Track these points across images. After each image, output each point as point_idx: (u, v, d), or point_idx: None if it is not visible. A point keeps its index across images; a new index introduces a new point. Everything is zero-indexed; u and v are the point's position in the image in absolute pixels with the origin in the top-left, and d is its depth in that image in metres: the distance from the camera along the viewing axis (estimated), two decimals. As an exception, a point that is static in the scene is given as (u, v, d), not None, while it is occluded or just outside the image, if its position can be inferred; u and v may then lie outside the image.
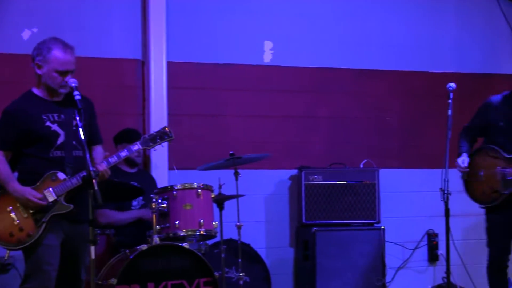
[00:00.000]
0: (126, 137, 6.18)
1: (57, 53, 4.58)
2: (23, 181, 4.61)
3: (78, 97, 4.44)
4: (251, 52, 7.30)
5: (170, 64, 6.91)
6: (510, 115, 5.73)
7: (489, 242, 5.78)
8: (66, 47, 4.60)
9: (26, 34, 6.58)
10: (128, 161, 6.31)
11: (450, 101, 5.56)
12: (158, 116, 6.75)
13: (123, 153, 4.81)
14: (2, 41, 6.50)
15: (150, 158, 6.80)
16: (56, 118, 4.65)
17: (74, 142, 4.63)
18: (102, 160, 4.71)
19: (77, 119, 4.39)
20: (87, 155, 4.30)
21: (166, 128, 5.04)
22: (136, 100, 6.92)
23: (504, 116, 5.71)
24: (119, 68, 6.91)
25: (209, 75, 7.16)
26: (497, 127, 5.73)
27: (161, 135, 5.01)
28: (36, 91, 4.69)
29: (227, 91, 7.22)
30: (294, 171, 7.25)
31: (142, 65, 6.92)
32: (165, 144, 5.14)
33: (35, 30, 6.58)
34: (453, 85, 5.59)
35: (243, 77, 7.28)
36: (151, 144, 4.97)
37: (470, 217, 7.39)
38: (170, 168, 6.82)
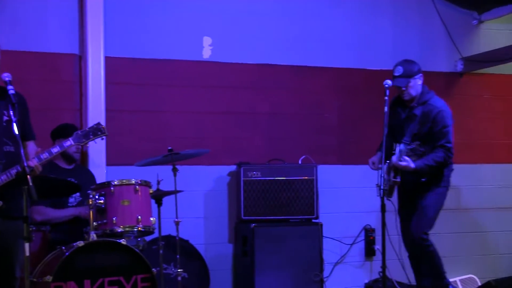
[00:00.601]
0: (62, 132, 6.10)
1: None
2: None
3: (12, 91, 4.37)
4: (190, 48, 7.29)
5: (108, 59, 6.86)
6: (391, 120, 6.00)
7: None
8: None
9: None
10: (66, 157, 6.27)
11: (386, 98, 5.67)
12: (96, 112, 6.70)
13: (55, 149, 4.77)
14: None
15: (87, 154, 6.77)
16: None
17: (4, 139, 4.57)
18: (34, 156, 4.67)
19: (11, 114, 4.32)
20: (21, 151, 4.24)
21: (100, 124, 5.06)
22: (73, 95, 6.87)
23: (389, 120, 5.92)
24: (56, 63, 6.83)
25: (147, 70, 7.12)
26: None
27: (94, 131, 5.00)
28: None
29: (166, 87, 7.19)
30: (233, 167, 7.28)
31: (80, 59, 6.85)
32: (98, 140, 5.10)
33: (-32, 23, 6.50)
34: (389, 82, 5.73)
35: (182, 73, 7.28)
36: (84, 140, 4.95)
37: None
38: (109, 164, 6.79)
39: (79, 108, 6.82)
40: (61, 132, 6.17)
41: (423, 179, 6.09)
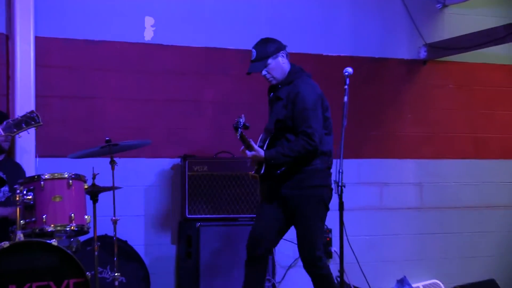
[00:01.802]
0: (-11, 120, 5.86)
1: None
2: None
3: None
4: (130, 29, 7.13)
5: (38, 40, 6.71)
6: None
7: None
8: None
9: None
10: (-7, 147, 6.09)
11: (346, 86, 5.55)
12: (25, 98, 6.56)
13: (-19, 139, 4.65)
14: None
15: (15, 144, 6.58)
16: None
17: None
18: None
19: None
20: None
21: (34, 112, 4.98)
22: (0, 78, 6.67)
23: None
24: (-20, 43, 6.66)
25: (82, 52, 6.95)
26: None
27: (27, 120, 4.94)
28: None
29: (103, 71, 7.02)
30: (177, 160, 7.16)
31: (6, 39, 6.68)
32: (32, 130, 5.04)
33: None
34: (350, 70, 5.57)
35: (121, 56, 7.11)
36: (15, 130, 4.90)
37: (365, 211, 7.52)
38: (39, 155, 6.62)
39: (6, 94, 6.64)
40: (-12, 119, 5.96)
41: (278, 171, 5.65)
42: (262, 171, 5.65)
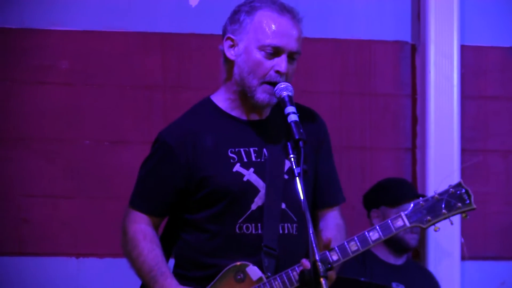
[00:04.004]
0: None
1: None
2: (182, 277, 3.42)
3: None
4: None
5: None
6: None
7: None
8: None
9: None
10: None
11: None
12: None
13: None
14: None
15: (426, 239, 5.39)
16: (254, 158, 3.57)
17: (284, 205, 3.47)
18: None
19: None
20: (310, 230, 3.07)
21: (462, 187, 3.67)
22: None
23: None
24: None
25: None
26: None
27: (450, 201, 3.70)
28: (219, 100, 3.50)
29: None
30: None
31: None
32: (456, 218, 3.81)
33: None
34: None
35: None
36: (429, 219, 3.66)
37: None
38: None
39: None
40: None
41: None
42: None
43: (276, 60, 3.18)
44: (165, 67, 5.16)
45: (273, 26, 3.24)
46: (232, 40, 3.27)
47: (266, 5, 3.31)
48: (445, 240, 5.37)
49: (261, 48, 3.21)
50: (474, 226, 5.38)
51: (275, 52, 3.20)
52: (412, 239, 4.96)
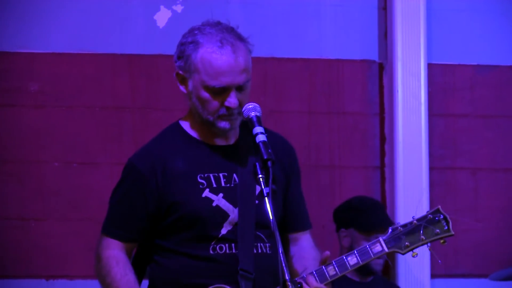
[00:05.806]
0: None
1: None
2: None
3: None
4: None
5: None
6: None
7: None
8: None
9: None
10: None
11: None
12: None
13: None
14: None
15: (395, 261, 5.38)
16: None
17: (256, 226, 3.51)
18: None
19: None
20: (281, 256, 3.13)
21: (440, 213, 3.68)
22: None
23: None
24: None
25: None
26: None
27: (427, 227, 3.70)
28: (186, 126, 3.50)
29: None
30: None
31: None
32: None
33: None
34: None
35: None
36: (407, 244, 3.66)
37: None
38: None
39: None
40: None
41: None
42: None
43: (224, 96, 3.21)
44: (134, 88, 5.08)
45: (215, 66, 3.25)
46: (181, 76, 3.31)
47: (207, 40, 3.30)
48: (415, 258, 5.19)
49: (206, 89, 3.23)
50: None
51: (222, 90, 3.23)
52: (377, 265, 4.93)
